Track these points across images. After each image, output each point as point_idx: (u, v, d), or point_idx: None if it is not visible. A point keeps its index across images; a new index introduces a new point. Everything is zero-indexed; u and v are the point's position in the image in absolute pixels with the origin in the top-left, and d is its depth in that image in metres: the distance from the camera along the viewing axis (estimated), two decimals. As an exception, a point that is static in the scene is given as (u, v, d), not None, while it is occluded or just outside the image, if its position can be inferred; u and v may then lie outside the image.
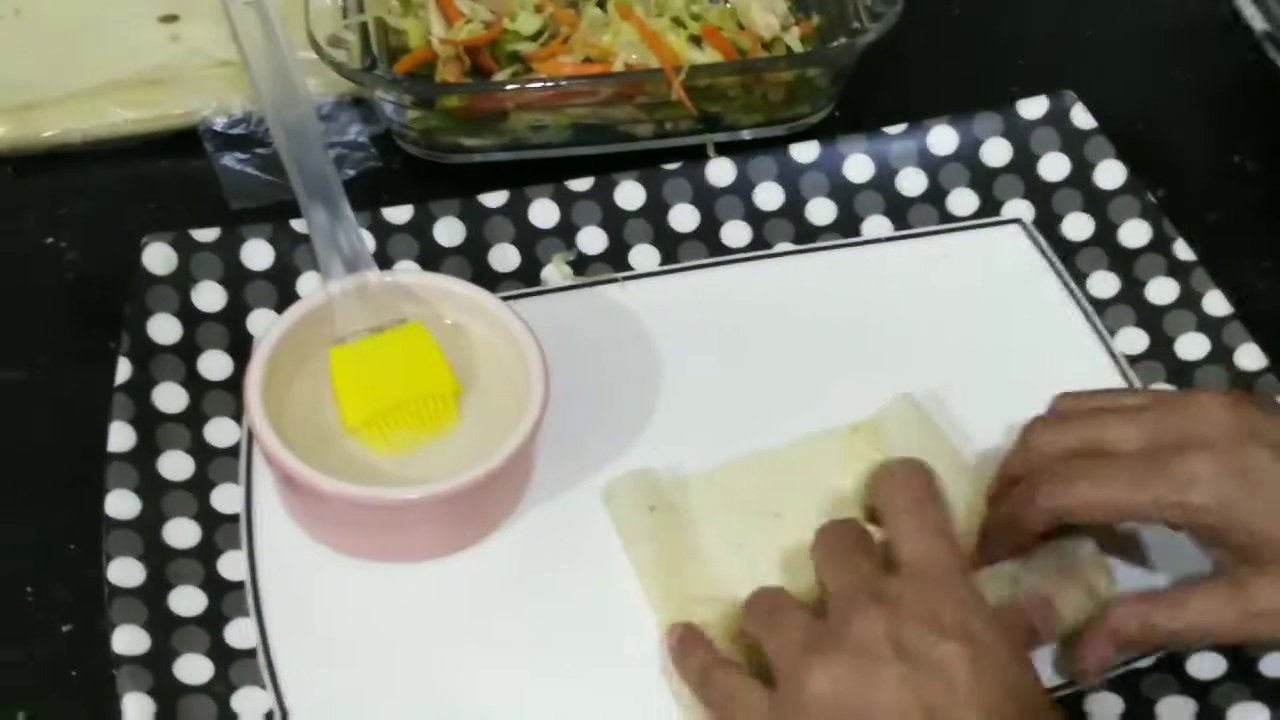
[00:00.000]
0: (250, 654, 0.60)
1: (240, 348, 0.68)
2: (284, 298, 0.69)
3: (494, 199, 0.73)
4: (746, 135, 0.79)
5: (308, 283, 0.70)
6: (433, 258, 0.72)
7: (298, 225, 0.70)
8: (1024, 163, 0.76)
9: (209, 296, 0.69)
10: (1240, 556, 0.56)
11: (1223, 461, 0.56)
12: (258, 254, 0.70)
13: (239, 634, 0.60)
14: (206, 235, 0.70)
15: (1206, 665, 0.60)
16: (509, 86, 0.76)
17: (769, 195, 0.75)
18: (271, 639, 0.60)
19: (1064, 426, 0.61)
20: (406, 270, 0.71)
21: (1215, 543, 0.58)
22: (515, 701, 0.59)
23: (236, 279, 0.70)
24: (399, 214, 0.72)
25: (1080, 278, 0.73)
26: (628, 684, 0.60)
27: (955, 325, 0.71)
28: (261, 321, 0.69)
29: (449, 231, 0.72)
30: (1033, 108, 0.77)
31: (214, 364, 0.68)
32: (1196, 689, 0.60)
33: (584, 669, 0.60)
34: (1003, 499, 0.61)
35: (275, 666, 0.59)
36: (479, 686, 0.60)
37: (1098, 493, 0.57)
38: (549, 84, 0.76)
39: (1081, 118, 0.77)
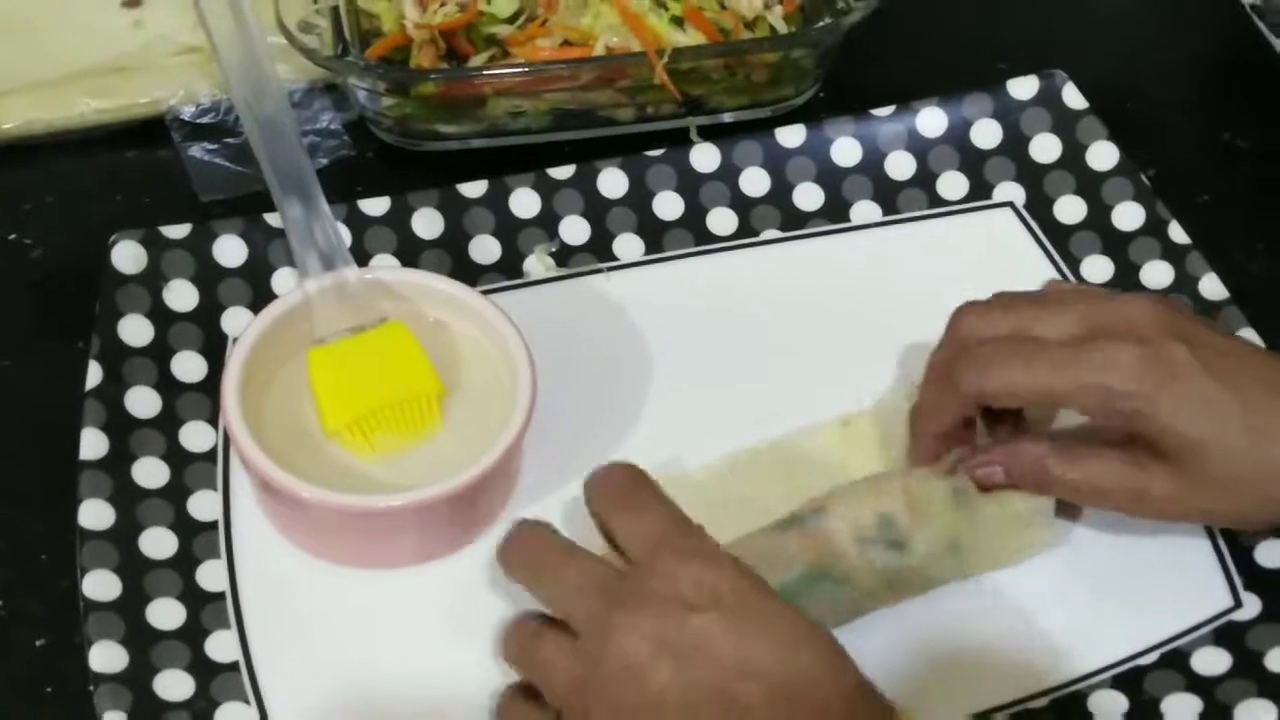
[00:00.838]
0: (232, 668, 0.58)
1: (214, 348, 0.66)
2: (259, 295, 0.67)
3: (473, 189, 0.71)
4: (729, 118, 0.77)
5: (283, 279, 0.68)
6: (411, 251, 0.70)
7: (271, 219, 0.68)
8: (1015, 144, 0.75)
9: (181, 295, 0.67)
10: (1145, 445, 0.57)
11: (1144, 352, 0.56)
12: (230, 250, 0.68)
13: (220, 647, 0.58)
14: (177, 232, 0.68)
15: (1211, 661, 0.59)
16: (486, 72, 0.74)
17: (755, 181, 0.73)
18: (254, 651, 0.58)
19: (993, 313, 0.61)
20: (385, 265, 0.69)
21: (1126, 429, 0.58)
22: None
23: (209, 277, 0.68)
24: (376, 206, 0.70)
25: (1074, 262, 0.72)
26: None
27: (947, 312, 0.69)
28: (236, 320, 0.67)
29: (428, 223, 0.70)
30: (1023, 88, 0.75)
31: (188, 366, 0.65)
32: (1202, 686, 0.59)
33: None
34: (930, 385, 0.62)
35: (258, 680, 0.58)
36: (468, 696, 0.58)
37: (1019, 375, 0.58)
38: (527, 69, 0.74)
39: (1073, 97, 0.75)
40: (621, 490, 0.57)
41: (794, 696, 0.50)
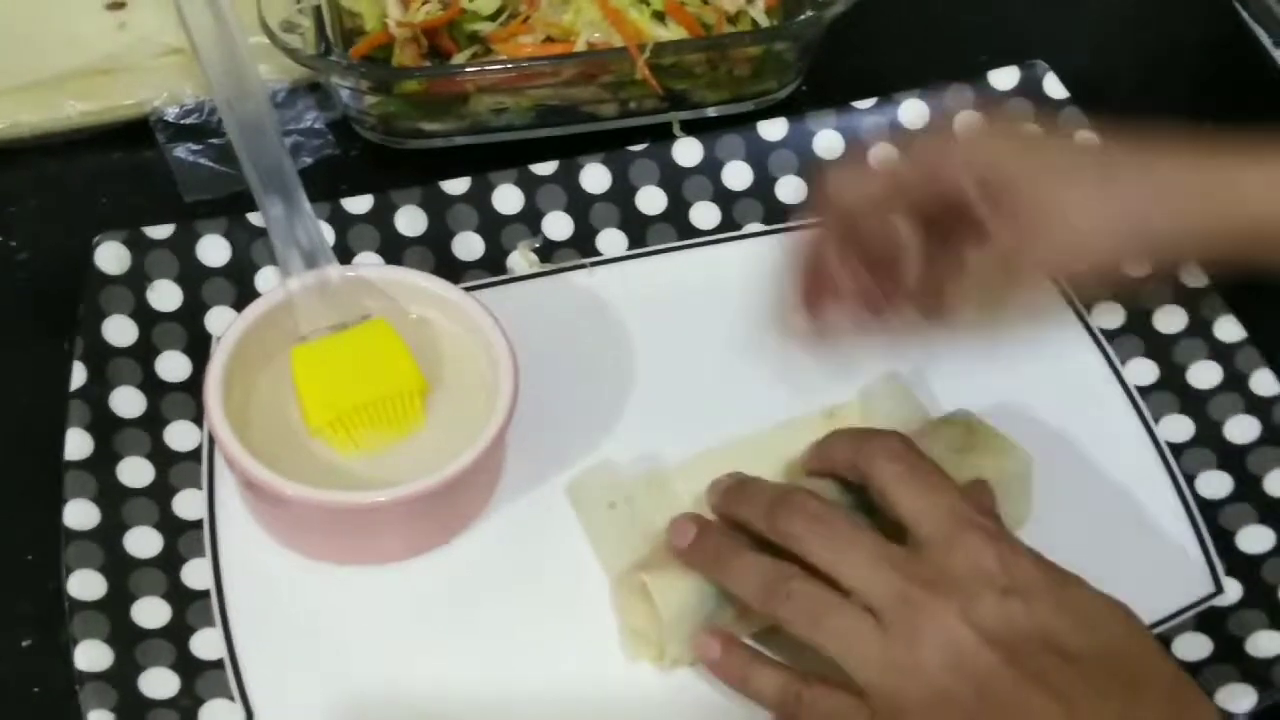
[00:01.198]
0: (217, 665, 0.58)
1: (199, 348, 0.66)
2: (243, 294, 0.67)
3: (456, 186, 0.71)
4: (713, 112, 0.77)
5: (266, 278, 0.68)
6: (394, 248, 0.70)
7: (254, 219, 0.68)
8: (997, 135, 0.75)
9: (165, 295, 0.67)
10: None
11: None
12: (214, 250, 0.68)
13: (205, 645, 0.59)
14: (160, 232, 0.68)
15: (1193, 647, 0.60)
16: (469, 69, 0.74)
17: (738, 174, 0.74)
18: (239, 649, 0.59)
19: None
20: (368, 263, 0.69)
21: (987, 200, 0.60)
22: (488, 702, 0.58)
23: (193, 276, 0.68)
24: (359, 204, 0.70)
25: (1056, 252, 0.72)
26: (601, 681, 0.59)
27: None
28: (220, 320, 0.67)
29: (411, 221, 0.70)
30: (1004, 78, 0.75)
31: (172, 365, 0.66)
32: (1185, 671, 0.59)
33: (557, 668, 0.59)
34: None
35: (243, 677, 0.58)
36: (453, 690, 0.58)
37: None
38: (510, 65, 0.74)
39: (1054, 87, 0.75)
40: (909, 463, 0.56)
41: (1118, 671, 0.51)
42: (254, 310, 0.62)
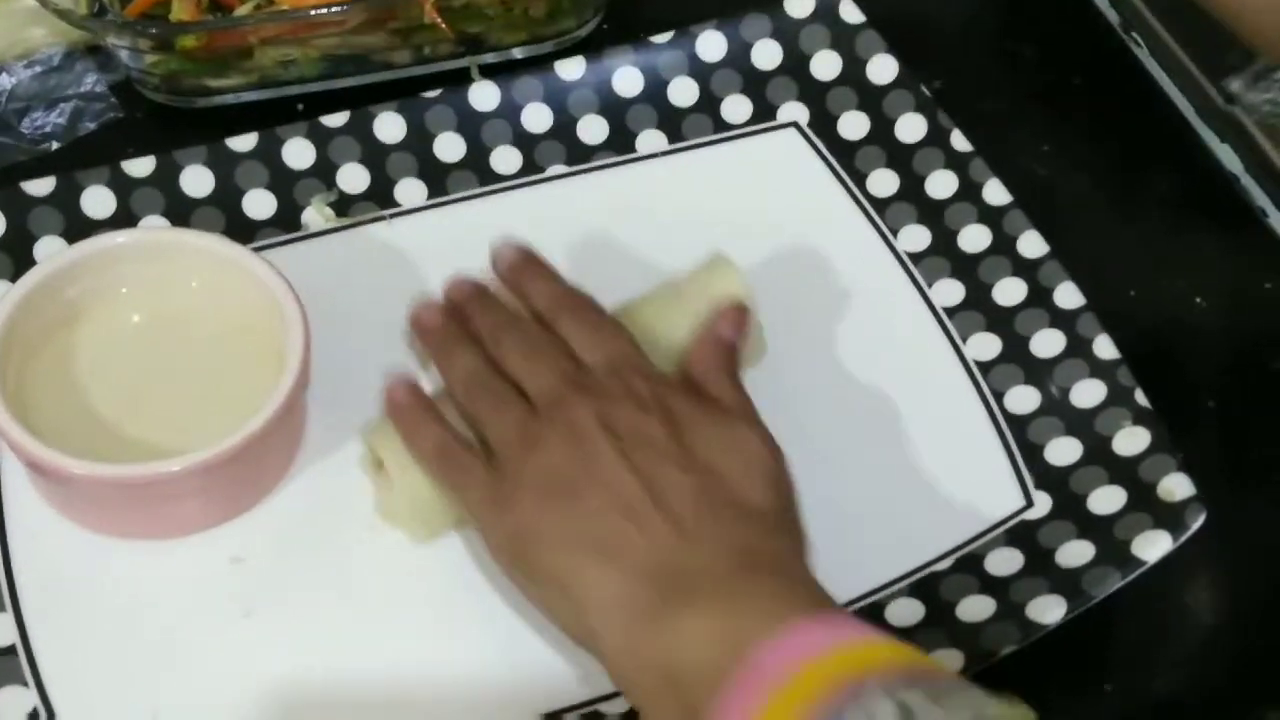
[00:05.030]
0: (9, 651, 0.56)
1: (-25, 325, 0.63)
2: (20, 266, 0.64)
3: (243, 142, 0.69)
4: (515, 55, 0.75)
5: (46, 247, 0.65)
6: (182, 210, 0.67)
7: (30, 188, 0.65)
8: (795, 64, 0.74)
9: (-64, 271, 0.64)
10: None
11: None
12: (-13, 222, 0.65)
13: (-5, 632, 0.56)
14: (-72, 206, 0.65)
15: (1004, 561, 0.60)
16: (245, 19, 0.71)
17: (537, 117, 0.72)
18: (32, 633, 0.56)
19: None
20: (154, 226, 0.66)
21: None
22: (295, 666, 0.57)
23: (-35, 250, 0.65)
24: (140, 166, 0.67)
25: (860, 178, 0.72)
26: (415, 637, 0.58)
27: (738, 237, 0.68)
28: (-3, 294, 0.64)
29: (197, 181, 0.68)
30: (800, 6, 0.75)
31: (-53, 345, 0.63)
32: (996, 587, 0.59)
33: (365, 626, 0.58)
34: None
35: (37, 662, 0.56)
36: (254, 662, 0.57)
37: None
38: (290, 14, 0.72)
39: (850, 12, 0.75)
40: (579, 304, 0.60)
41: (720, 499, 0.53)
42: (28, 280, 0.59)
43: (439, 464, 0.57)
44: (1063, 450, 0.63)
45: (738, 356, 0.59)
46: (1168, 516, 0.59)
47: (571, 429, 0.55)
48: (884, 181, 0.72)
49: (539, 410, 0.56)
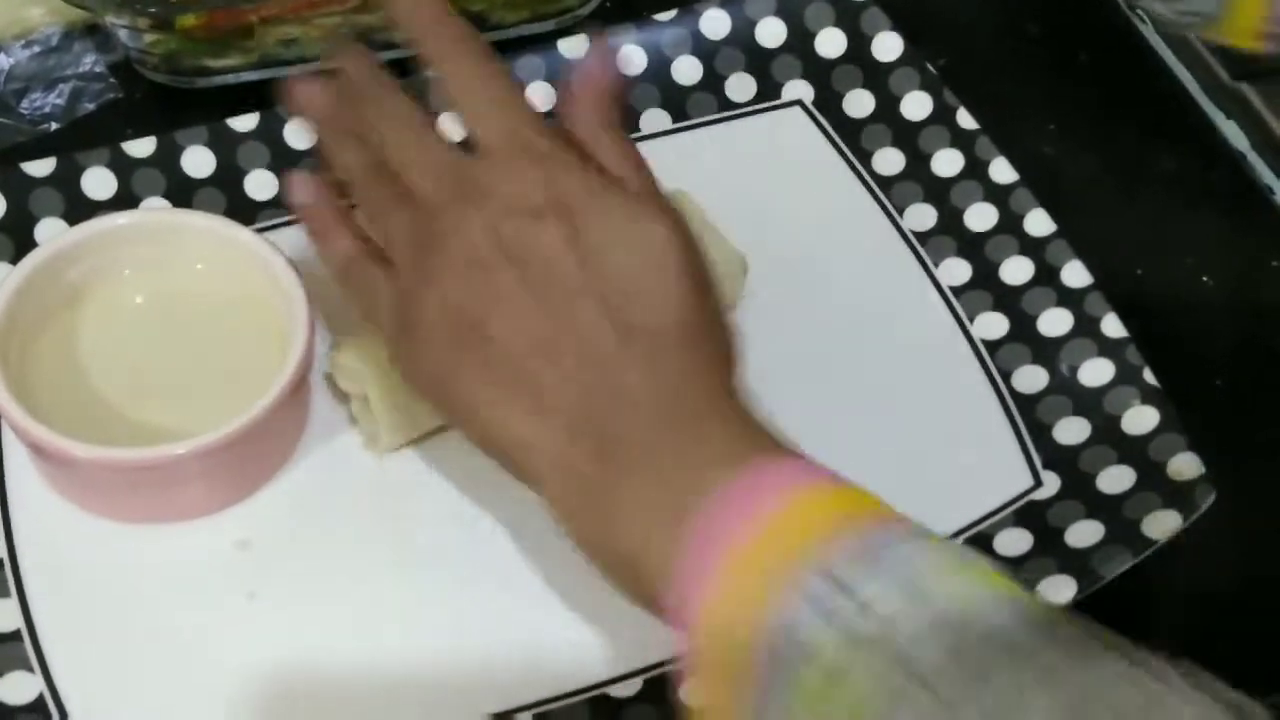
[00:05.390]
0: (14, 637, 0.55)
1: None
2: (21, 247, 0.64)
3: (244, 122, 0.68)
4: (515, 33, 0.75)
5: (47, 229, 0.65)
6: (183, 191, 0.67)
7: (30, 169, 0.65)
8: (800, 41, 0.74)
9: (-64, 253, 0.64)
10: None
11: None
12: (-12, 203, 0.65)
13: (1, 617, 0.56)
14: (-73, 188, 0.64)
15: (1014, 541, 0.60)
16: (249, -1, 0.71)
17: (538, 96, 0.71)
18: (37, 619, 0.56)
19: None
20: (155, 207, 0.66)
21: None
22: (300, 649, 0.56)
23: (-34, 232, 0.64)
24: (141, 147, 0.67)
25: (865, 156, 0.72)
26: (416, 627, 0.57)
27: (742, 217, 0.68)
28: (-3, 276, 0.64)
29: (198, 162, 0.67)
30: (806, -21, 0.74)
31: (-52, 328, 0.62)
32: (1004, 567, 0.58)
33: (369, 616, 0.57)
34: None
35: (43, 648, 0.55)
36: (261, 648, 0.56)
37: None
38: (292, -7, 0.71)
39: (855, -13, 0.74)
40: (492, 70, 0.55)
41: (632, 325, 0.49)
42: (30, 262, 0.59)
43: (346, 280, 0.56)
44: (1071, 430, 0.63)
45: (614, 104, 0.54)
46: (1177, 496, 0.59)
47: (466, 256, 0.51)
48: (890, 160, 0.71)
49: (426, 215, 0.52)
